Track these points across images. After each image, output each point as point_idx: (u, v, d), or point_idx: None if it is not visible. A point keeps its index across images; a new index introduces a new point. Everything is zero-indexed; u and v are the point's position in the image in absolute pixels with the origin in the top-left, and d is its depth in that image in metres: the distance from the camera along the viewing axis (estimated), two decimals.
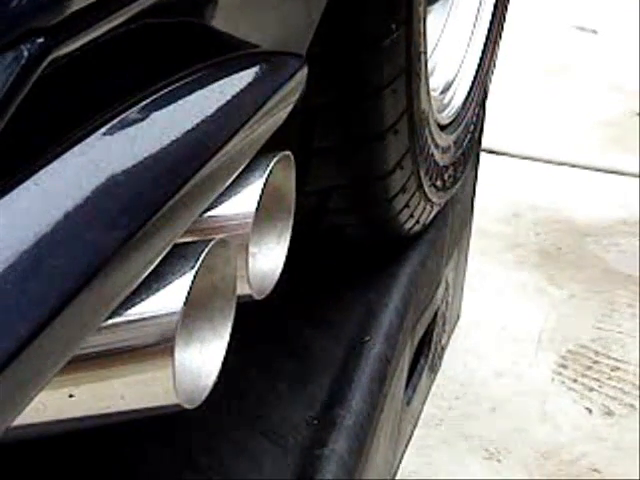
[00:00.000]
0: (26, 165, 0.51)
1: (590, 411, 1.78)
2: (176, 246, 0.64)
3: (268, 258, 0.78)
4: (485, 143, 1.81)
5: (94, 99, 0.58)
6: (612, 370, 1.89)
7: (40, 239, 0.49)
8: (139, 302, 0.62)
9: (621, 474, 1.66)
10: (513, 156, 2.63)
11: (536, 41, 3.27)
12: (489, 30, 1.51)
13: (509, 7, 1.61)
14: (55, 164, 0.51)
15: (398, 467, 1.38)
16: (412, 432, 1.50)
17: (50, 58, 0.48)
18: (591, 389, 1.84)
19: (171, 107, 0.63)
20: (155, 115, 0.62)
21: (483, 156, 1.82)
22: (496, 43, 1.55)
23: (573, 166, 2.61)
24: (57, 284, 0.48)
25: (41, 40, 0.46)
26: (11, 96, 0.46)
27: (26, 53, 0.46)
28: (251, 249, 0.73)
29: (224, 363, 0.67)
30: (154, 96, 0.62)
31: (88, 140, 0.55)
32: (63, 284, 0.48)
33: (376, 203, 1.17)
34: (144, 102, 0.61)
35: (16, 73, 0.45)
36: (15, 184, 0.50)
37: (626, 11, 3.50)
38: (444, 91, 1.39)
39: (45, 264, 0.48)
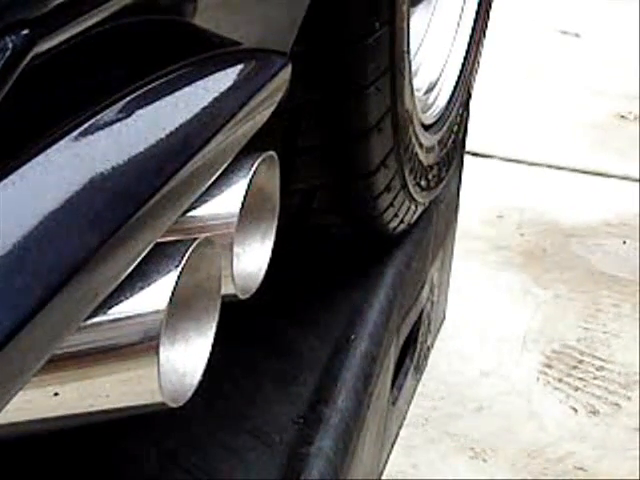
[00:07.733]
0: (10, 159, 0.50)
1: (575, 410, 1.79)
2: (161, 245, 0.64)
3: (252, 258, 0.78)
4: (470, 146, 1.82)
5: (74, 96, 0.58)
6: (597, 370, 1.90)
7: (23, 234, 0.49)
8: (124, 300, 0.62)
9: (606, 472, 1.66)
10: (498, 158, 2.64)
11: (520, 44, 3.29)
12: (472, 31, 1.52)
13: (492, 9, 1.62)
14: (38, 159, 0.51)
15: (384, 466, 1.38)
16: (398, 432, 1.50)
17: (34, 51, 0.48)
18: (576, 388, 1.84)
19: (153, 105, 0.63)
20: (137, 113, 0.61)
21: (468, 158, 1.83)
22: (479, 44, 1.56)
23: (557, 168, 2.62)
24: (41, 278, 0.48)
25: (25, 32, 0.46)
26: None
27: (10, 45, 0.45)
28: (235, 249, 0.73)
29: (209, 362, 0.67)
30: (136, 93, 0.62)
31: (69, 137, 0.55)
32: (47, 278, 0.48)
33: (360, 202, 1.17)
34: (125, 99, 0.61)
35: (0, 66, 0.45)
36: None
37: (608, 15, 3.52)
38: (428, 91, 1.39)
39: (28, 259, 0.48)
